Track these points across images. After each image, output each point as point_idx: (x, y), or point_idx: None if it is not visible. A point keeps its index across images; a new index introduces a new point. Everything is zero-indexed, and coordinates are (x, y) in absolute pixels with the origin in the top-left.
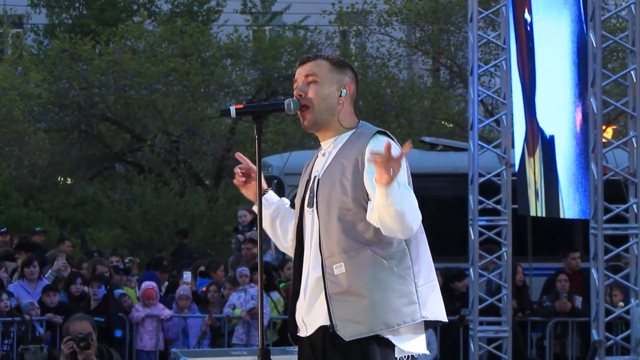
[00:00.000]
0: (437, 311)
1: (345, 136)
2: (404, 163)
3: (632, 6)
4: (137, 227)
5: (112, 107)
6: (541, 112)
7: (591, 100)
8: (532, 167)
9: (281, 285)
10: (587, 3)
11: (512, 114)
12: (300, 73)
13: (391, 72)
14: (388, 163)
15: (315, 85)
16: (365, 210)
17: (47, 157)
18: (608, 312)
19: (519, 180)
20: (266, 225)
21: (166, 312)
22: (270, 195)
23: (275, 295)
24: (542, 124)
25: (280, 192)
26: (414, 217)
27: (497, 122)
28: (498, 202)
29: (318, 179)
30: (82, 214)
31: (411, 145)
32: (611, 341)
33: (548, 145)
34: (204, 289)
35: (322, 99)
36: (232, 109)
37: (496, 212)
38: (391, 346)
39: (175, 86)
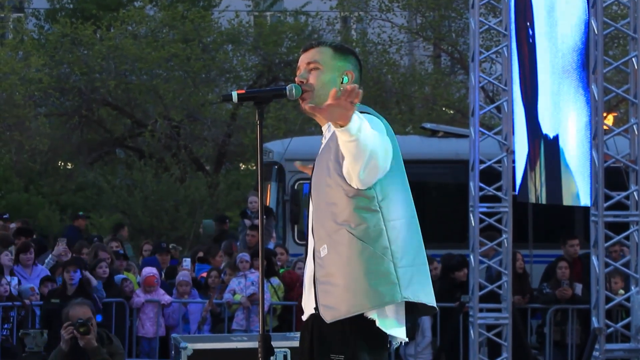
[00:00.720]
0: (422, 295)
1: None
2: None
3: None
4: (137, 213)
5: (112, 92)
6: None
7: (592, 87)
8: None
9: (281, 271)
10: None
11: (512, 101)
12: (302, 60)
13: (392, 58)
14: (337, 102)
15: (317, 72)
16: (344, 189)
17: (47, 142)
18: (608, 300)
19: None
20: None
21: (166, 298)
22: None
23: (275, 281)
24: (541, 122)
25: (281, 178)
26: (378, 152)
27: (498, 108)
28: (499, 188)
29: (314, 165)
30: (83, 199)
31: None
32: (611, 329)
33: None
34: (204, 274)
35: (322, 84)
36: (234, 94)
37: (497, 199)
38: (374, 326)
39: (176, 71)
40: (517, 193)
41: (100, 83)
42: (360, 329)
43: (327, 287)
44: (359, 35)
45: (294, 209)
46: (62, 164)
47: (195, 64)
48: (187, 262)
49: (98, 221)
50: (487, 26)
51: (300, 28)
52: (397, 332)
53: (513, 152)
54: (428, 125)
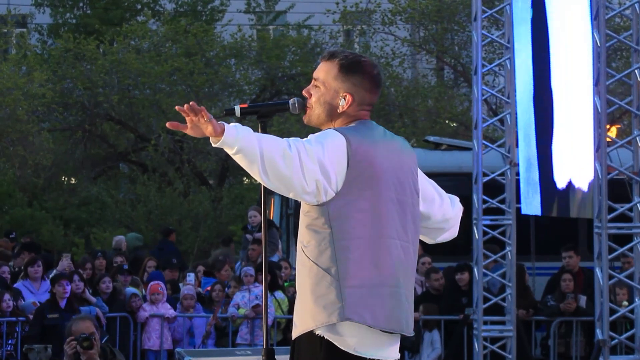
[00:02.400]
0: (370, 318)
1: None
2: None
3: (637, 5)
4: (141, 227)
5: (116, 106)
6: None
7: (595, 99)
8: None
9: (285, 284)
10: (591, 2)
11: (516, 113)
12: (315, 71)
13: (395, 72)
14: (194, 116)
15: (317, 90)
16: (303, 207)
17: (51, 157)
18: (612, 311)
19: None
20: None
21: (171, 312)
22: None
23: (280, 294)
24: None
25: None
26: (273, 156)
27: (501, 121)
28: (502, 201)
29: None
30: (86, 214)
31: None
32: (615, 340)
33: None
34: (209, 288)
35: (319, 104)
36: (237, 108)
37: (500, 212)
38: (326, 343)
39: (179, 86)
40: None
41: (103, 98)
42: (309, 343)
43: (296, 304)
44: (362, 49)
45: (297, 223)
46: (66, 178)
47: (198, 78)
48: (191, 276)
49: (102, 236)
50: (489, 39)
51: (303, 42)
52: (378, 353)
53: (517, 165)
54: (431, 138)
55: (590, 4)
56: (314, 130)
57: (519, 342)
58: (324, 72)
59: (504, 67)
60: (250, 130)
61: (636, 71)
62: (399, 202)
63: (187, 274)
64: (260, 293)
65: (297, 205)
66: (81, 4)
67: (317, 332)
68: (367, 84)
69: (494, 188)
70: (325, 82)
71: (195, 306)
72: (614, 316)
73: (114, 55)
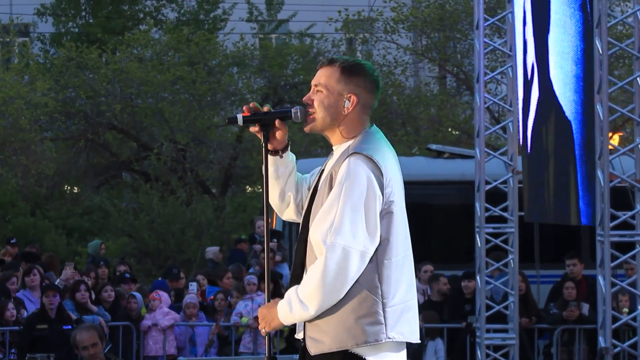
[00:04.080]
0: (408, 333)
1: (343, 147)
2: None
3: (638, 13)
4: (144, 236)
5: (118, 115)
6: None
7: (597, 107)
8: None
9: None
10: (593, 9)
11: (518, 121)
12: (314, 79)
13: (398, 80)
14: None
15: (320, 95)
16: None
17: (53, 166)
18: (615, 319)
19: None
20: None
21: (164, 321)
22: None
23: None
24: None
25: None
26: (323, 293)
27: (504, 129)
28: (505, 209)
29: (316, 187)
30: (89, 223)
31: None
32: (618, 348)
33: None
34: (212, 297)
35: (323, 109)
36: (239, 117)
37: (503, 220)
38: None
39: (181, 94)
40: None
41: (105, 107)
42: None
43: (315, 319)
44: (364, 57)
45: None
46: (69, 187)
47: (200, 86)
48: (193, 285)
49: (105, 245)
50: (492, 47)
51: (305, 50)
52: None
53: (519, 173)
54: (434, 147)
55: (593, 11)
56: (314, 137)
57: (521, 350)
58: (325, 77)
59: (506, 75)
60: (294, 295)
61: (638, 79)
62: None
63: (190, 282)
64: (263, 302)
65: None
66: (83, 13)
67: (354, 350)
68: (369, 85)
69: (496, 196)
70: (327, 86)
71: (197, 315)
72: (617, 324)
73: (116, 64)
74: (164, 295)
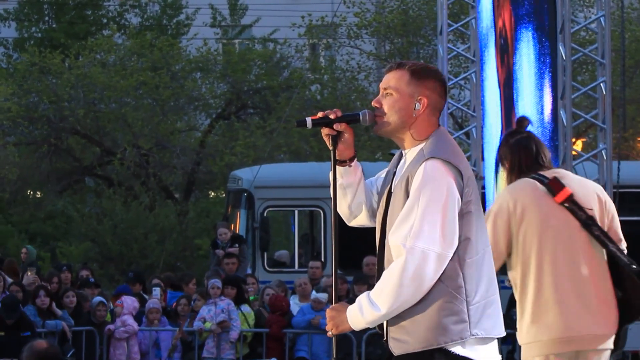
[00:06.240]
0: (490, 328)
1: (415, 150)
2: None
3: (602, 19)
4: (107, 241)
5: (81, 120)
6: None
7: (561, 112)
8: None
9: (251, 298)
10: (557, 15)
11: (482, 127)
12: (382, 82)
13: (361, 85)
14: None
15: (390, 98)
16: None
17: (16, 171)
18: None
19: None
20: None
21: (122, 329)
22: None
23: (246, 308)
24: None
25: (251, 205)
26: (401, 291)
27: (467, 134)
28: None
29: (391, 191)
30: (52, 228)
31: None
32: None
33: None
34: (175, 303)
35: (394, 111)
36: (308, 120)
37: None
38: (451, 355)
39: (144, 99)
40: None
41: (69, 112)
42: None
43: (397, 320)
44: (328, 62)
45: (263, 237)
46: (31, 192)
47: (164, 92)
48: (156, 290)
49: (67, 250)
50: (455, 52)
51: (268, 55)
52: (490, 357)
53: (483, 178)
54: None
55: (556, 17)
56: (277, 142)
57: None
58: (395, 80)
59: (469, 80)
60: (365, 301)
61: (601, 84)
62: None
63: (153, 288)
64: (227, 306)
65: (265, 218)
66: (47, 18)
67: (448, 347)
68: (439, 88)
69: None
70: (398, 89)
71: (160, 320)
72: None
73: (79, 69)
74: (127, 302)
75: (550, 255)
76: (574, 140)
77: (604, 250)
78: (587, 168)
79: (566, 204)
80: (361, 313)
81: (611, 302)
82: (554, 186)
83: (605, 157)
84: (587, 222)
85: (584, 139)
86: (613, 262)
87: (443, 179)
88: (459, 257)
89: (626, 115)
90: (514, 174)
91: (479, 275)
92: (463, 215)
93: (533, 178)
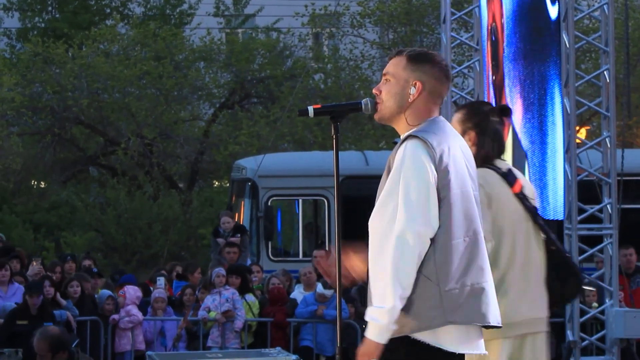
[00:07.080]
0: (474, 316)
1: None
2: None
3: (605, 7)
4: (111, 231)
5: (85, 110)
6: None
7: (564, 100)
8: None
9: (255, 287)
10: (560, 3)
11: None
12: (384, 69)
13: (364, 74)
14: None
15: (388, 84)
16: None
17: (20, 161)
18: (583, 313)
19: None
20: None
21: (140, 316)
22: None
23: (250, 297)
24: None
25: (255, 195)
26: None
27: None
28: None
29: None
30: (56, 218)
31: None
32: (586, 341)
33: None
34: (180, 292)
35: (390, 96)
36: (310, 109)
37: None
38: (423, 345)
39: (148, 89)
40: None
41: (72, 102)
42: (406, 346)
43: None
44: (331, 51)
45: (267, 226)
46: (35, 182)
47: (167, 81)
48: (161, 280)
49: (72, 239)
50: (458, 41)
51: (272, 45)
52: (467, 347)
53: None
54: None
55: (559, 5)
56: (281, 131)
57: None
58: (393, 66)
59: (473, 69)
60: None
61: (605, 72)
62: (474, 197)
63: (157, 277)
64: (231, 296)
65: (269, 208)
66: (50, 8)
67: (414, 336)
68: (436, 72)
69: None
70: (395, 74)
71: (165, 309)
72: (585, 317)
73: (83, 59)
74: (129, 292)
75: (512, 242)
76: (577, 128)
77: (544, 238)
78: (591, 156)
79: (520, 195)
80: (376, 321)
81: (544, 287)
82: (511, 177)
83: (609, 145)
84: (533, 212)
85: (588, 127)
86: (550, 249)
87: (419, 157)
88: (431, 241)
89: (630, 103)
90: (480, 159)
91: (458, 261)
92: (440, 200)
93: (490, 168)
